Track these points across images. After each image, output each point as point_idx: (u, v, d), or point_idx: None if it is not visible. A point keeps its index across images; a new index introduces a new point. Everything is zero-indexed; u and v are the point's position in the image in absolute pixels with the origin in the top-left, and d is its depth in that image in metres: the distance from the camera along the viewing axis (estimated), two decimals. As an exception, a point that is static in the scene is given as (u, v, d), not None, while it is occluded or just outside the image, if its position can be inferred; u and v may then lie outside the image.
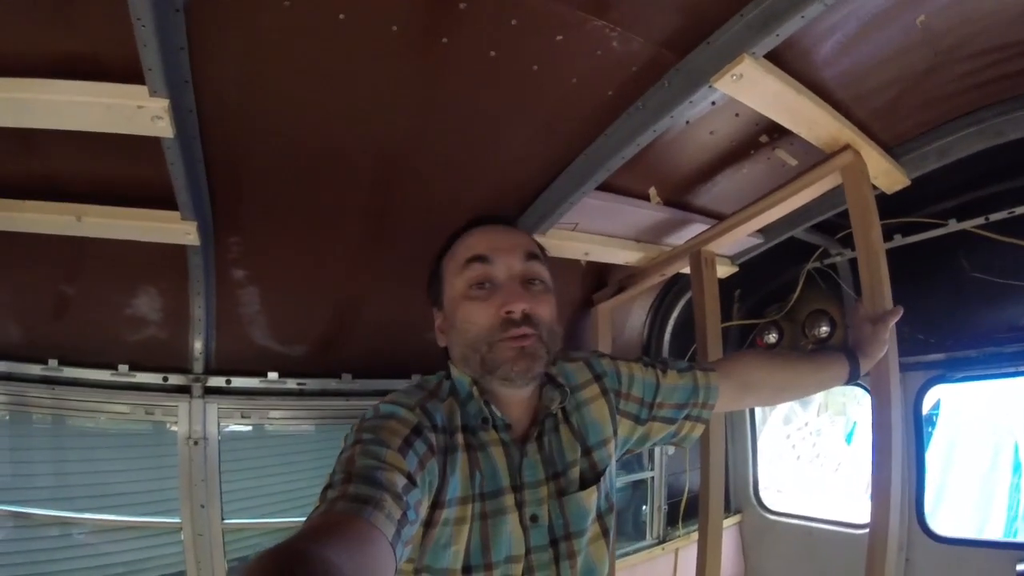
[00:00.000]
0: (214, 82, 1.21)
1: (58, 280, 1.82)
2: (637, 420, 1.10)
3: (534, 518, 0.93)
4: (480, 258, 0.95)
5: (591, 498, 0.99)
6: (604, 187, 1.75)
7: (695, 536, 2.96)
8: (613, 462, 1.06)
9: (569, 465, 0.99)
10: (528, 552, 0.92)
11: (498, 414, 0.95)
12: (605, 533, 1.01)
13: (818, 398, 6.78)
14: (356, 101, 1.36)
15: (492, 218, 1.05)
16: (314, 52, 1.19)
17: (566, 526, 0.96)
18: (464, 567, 0.86)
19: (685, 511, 3.12)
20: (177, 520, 2.08)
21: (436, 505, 0.85)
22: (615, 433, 1.07)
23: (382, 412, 0.86)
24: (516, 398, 0.98)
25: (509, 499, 0.92)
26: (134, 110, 1.12)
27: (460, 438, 0.92)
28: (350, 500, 0.65)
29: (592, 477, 1.00)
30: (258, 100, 1.31)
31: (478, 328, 0.92)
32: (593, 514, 0.99)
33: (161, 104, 1.11)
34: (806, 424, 7.26)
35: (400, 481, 0.72)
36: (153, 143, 1.24)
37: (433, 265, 1.07)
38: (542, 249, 1.04)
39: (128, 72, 1.08)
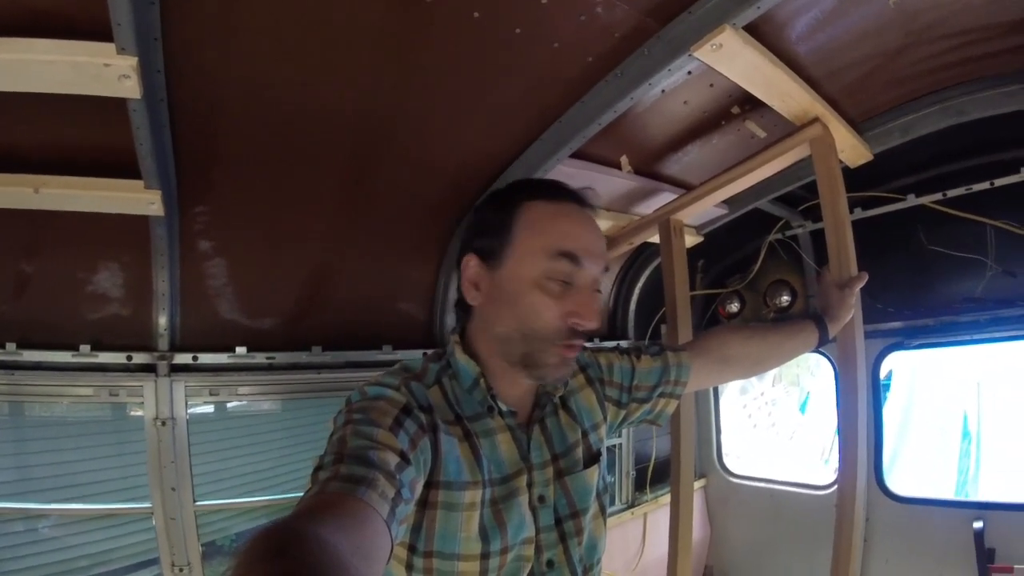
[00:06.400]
0: (185, 41, 1.15)
1: (14, 258, 1.72)
2: (619, 404, 1.15)
3: (541, 498, 0.95)
4: (572, 257, 0.88)
5: (593, 477, 1.02)
6: (577, 154, 1.76)
7: (663, 500, 3.08)
8: (604, 445, 1.10)
9: (572, 446, 1.02)
10: (537, 532, 0.94)
11: (503, 407, 0.95)
12: (603, 511, 1.05)
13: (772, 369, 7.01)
14: (334, 63, 1.32)
15: (582, 197, 0.96)
16: (292, 10, 1.15)
17: (571, 505, 0.98)
18: (482, 553, 0.87)
19: (652, 476, 3.19)
20: (148, 505, 2.01)
21: (431, 485, 0.85)
22: (605, 418, 1.11)
23: (370, 394, 0.85)
24: (521, 384, 0.99)
25: (520, 481, 0.93)
26: (100, 68, 1.05)
27: (457, 427, 0.91)
28: (343, 480, 0.65)
29: (590, 458, 1.03)
30: (230, 62, 1.26)
31: (542, 324, 0.88)
32: (594, 493, 1.02)
33: (129, 62, 1.05)
34: (762, 394, 7.53)
35: (392, 460, 0.72)
36: (117, 107, 1.18)
37: (493, 210, 0.96)
38: None
39: (94, 29, 1.02)
